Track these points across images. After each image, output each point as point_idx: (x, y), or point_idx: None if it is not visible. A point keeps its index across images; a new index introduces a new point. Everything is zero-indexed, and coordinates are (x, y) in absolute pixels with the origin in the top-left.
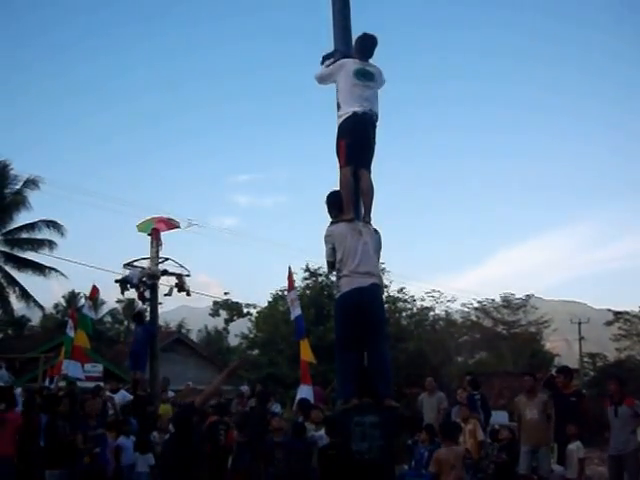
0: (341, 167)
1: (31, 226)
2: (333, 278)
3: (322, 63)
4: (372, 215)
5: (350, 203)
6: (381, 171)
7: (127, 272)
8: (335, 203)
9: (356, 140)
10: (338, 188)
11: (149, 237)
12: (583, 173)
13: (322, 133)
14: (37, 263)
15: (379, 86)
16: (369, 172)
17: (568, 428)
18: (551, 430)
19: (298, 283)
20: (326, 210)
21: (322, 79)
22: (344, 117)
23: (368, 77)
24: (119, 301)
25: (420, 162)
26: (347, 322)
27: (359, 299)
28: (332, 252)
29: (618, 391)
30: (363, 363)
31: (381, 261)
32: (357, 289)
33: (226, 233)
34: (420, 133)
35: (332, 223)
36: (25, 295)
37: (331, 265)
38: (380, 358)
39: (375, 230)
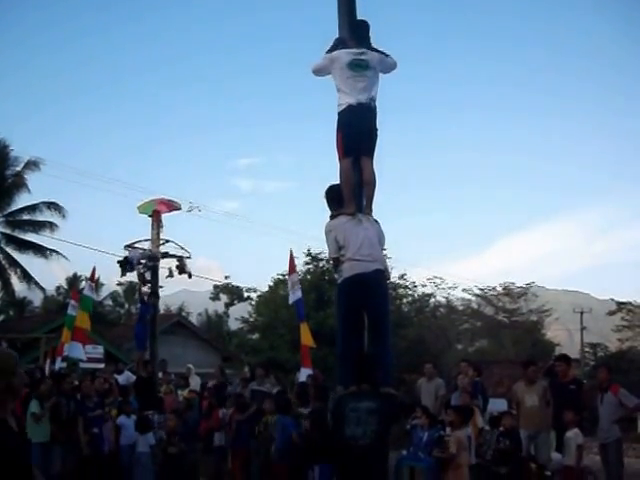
0: (340, 159)
1: (32, 208)
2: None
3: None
4: (374, 206)
5: (351, 197)
6: (382, 155)
7: (128, 253)
8: (334, 197)
9: (353, 131)
10: (338, 181)
11: (150, 219)
12: (589, 160)
13: (326, 118)
14: (38, 245)
15: (384, 70)
16: (372, 160)
17: (566, 415)
18: (550, 417)
19: (299, 268)
20: (326, 204)
21: (317, 72)
22: (340, 109)
23: (363, 67)
24: (120, 284)
25: (420, 148)
26: (349, 309)
27: (362, 286)
28: (335, 245)
29: (606, 379)
30: (364, 350)
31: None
32: (359, 275)
33: (227, 217)
34: (421, 116)
35: (331, 217)
36: (26, 276)
37: (337, 262)
38: (382, 346)
39: (375, 220)
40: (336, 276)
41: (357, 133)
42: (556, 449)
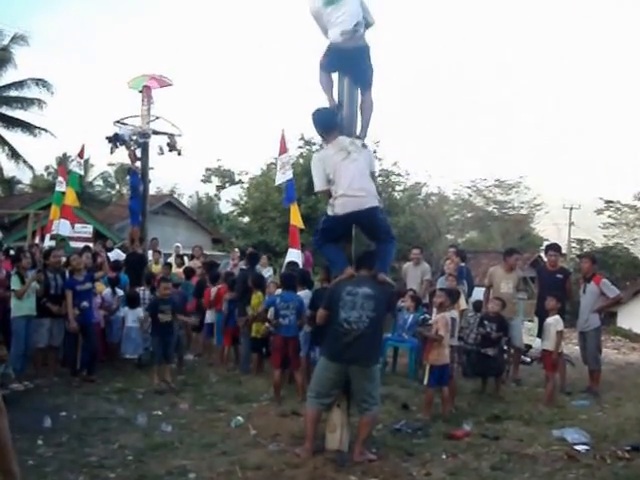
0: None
1: (20, 84)
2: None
3: None
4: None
5: (330, 96)
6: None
7: (117, 130)
8: (319, 122)
9: (340, 73)
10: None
11: (140, 95)
12: None
13: None
14: (26, 122)
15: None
16: (369, 92)
17: (548, 301)
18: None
19: (292, 152)
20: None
21: (315, 18)
22: (325, 48)
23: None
24: (111, 164)
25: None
26: (338, 232)
27: (355, 223)
28: (324, 177)
29: (589, 269)
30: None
31: (376, 138)
32: (353, 214)
33: (221, 97)
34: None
35: (317, 152)
36: (14, 155)
37: (325, 194)
38: (384, 248)
39: (363, 145)
40: (328, 208)
41: (344, 74)
42: (538, 336)
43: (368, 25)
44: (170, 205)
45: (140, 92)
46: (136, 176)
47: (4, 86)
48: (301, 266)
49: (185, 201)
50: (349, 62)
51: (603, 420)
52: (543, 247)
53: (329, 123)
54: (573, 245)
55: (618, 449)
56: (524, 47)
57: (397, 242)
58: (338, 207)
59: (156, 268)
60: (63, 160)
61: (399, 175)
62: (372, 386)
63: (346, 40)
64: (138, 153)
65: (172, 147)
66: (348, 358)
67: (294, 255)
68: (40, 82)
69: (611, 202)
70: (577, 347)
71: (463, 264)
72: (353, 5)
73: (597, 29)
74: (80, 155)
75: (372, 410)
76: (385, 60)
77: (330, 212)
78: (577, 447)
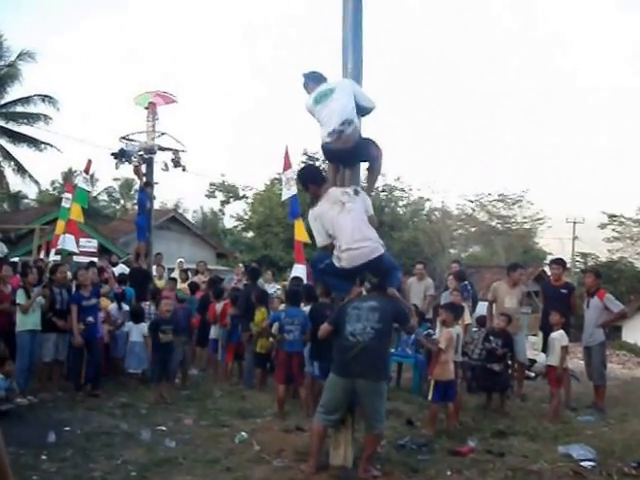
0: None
1: (26, 100)
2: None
3: (305, 85)
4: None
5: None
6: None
7: (124, 146)
8: (308, 178)
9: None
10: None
11: (146, 111)
12: None
13: None
14: (32, 138)
15: (347, 87)
16: (378, 162)
17: (552, 316)
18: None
19: (296, 167)
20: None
21: (311, 114)
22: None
23: (327, 95)
24: (116, 179)
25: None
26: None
27: (362, 270)
28: (324, 233)
29: (593, 284)
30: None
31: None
32: (361, 267)
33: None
34: None
35: (311, 208)
36: (20, 169)
37: (328, 249)
38: (390, 274)
39: (355, 191)
40: (334, 259)
41: (342, 165)
42: (543, 351)
43: (368, 111)
44: (174, 220)
45: (146, 108)
46: (144, 193)
47: (11, 102)
48: (305, 281)
49: (189, 216)
50: (345, 159)
51: (609, 436)
52: (548, 261)
53: (317, 178)
54: (577, 259)
55: (624, 465)
56: (526, 59)
57: (400, 257)
58: (345, 261)
59: (160, 283)
60: (68, 175)
61: (402, 190)
62: (379, 403)
63: (334, 140)
64: (143, 169)
65: (177, 163)
66: (354, 372)
67: (299, 271)
68: (46, 98)
69: (615, 216)
70: (582, 362)
71: (466, 282)
72: (341, 101)
73: (600, 42)
74: (86, 171)
75: (378, 428)
76: (388, 70)
77: (337, 263)
78: (583, 463)
